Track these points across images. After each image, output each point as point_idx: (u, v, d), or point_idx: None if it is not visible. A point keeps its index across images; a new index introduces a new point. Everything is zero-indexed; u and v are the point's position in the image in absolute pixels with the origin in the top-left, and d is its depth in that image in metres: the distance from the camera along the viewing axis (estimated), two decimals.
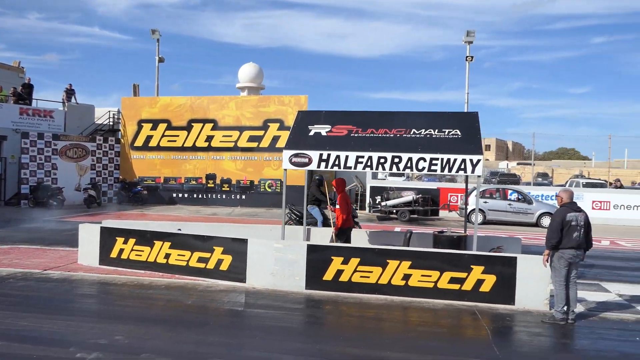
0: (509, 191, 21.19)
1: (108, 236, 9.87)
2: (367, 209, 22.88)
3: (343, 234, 9.51)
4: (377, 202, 21.34)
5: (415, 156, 8.27)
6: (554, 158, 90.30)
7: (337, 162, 8.54)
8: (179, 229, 10.10)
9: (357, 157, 8.47)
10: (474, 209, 20.11)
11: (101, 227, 10.03)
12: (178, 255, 9.19)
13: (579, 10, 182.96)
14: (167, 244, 9.30)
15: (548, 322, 7.10)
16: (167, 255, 9.27)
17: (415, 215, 21.04)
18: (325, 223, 12.14)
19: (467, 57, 25.20)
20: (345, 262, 8.19)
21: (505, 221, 19.84)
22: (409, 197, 20.94)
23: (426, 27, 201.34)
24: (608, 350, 6.24)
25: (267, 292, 8.30)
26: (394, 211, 20.99)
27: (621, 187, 27.11)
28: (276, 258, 8.45)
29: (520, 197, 20.37)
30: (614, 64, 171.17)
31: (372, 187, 23.08)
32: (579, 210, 7.19)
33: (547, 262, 7.26)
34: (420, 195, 21.10)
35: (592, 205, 22.56)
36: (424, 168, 8.28)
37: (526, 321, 7.24)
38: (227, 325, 6.92)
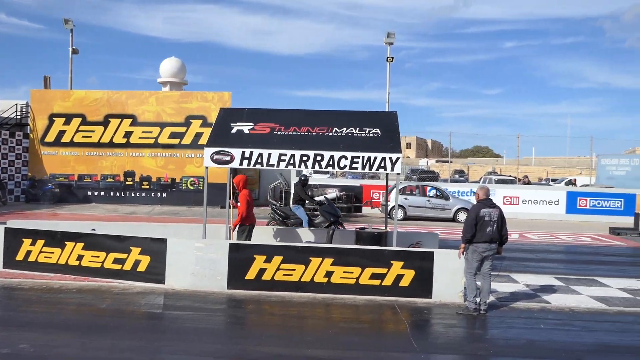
0: (428, 188, 21.98)
1: (13, 237, 9.18)
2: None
3: (244, 231, 9.34)
4: None
5: (337, 154, 8.35)
6: (470, 156, 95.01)
7: (259, 160, 8.45)
8: (93, 229, 9.58)
9: (280, 155, 8.42)
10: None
11: (5, 228, 9.32)
12: (92, 256, 8.71)
13: (491, 16, 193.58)
14: (80, 245, 8.79)
15: (462, 314, 7.42)
16: (80, 257, 8.76)
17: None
18: (311, 223, 11.93)
19: (387, 57, 25.87)
20: (268, 261, 8.12)
21: (425, 217, 20.57)
22: (332, 194, 21.18)
23: (350, 27, 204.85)
24: (516, 338, 6.62)
25: (188, 293, 8.06)
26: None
27: (529, 183, 28.96)
28: (197, 258, 8.23)
29: (438, 194, 21.19)
30: (523, 67, 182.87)
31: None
32: (493, 206, 7.56)
33: (463, 255, 7.60)
34: (344, 193, 21.43)
35: (503, 200, 23.91)
36: (345, 166, 8.38)
37: (442, 313, 7.52)
38: (143, 329, 6.64)
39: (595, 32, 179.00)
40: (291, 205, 11.28)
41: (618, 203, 24.00)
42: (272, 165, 8.49)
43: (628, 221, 20.35)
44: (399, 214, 20.56)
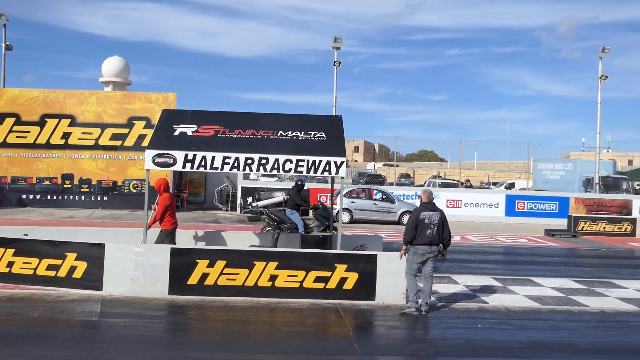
0: (374, 191, 22.32)
1: None
2: (238, 209, 22.68)
3: (167, 235, 9.12)
4: (248, 202, 21.24)
5: (282, 158, 8.32)
6: (416, 160, 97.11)
7: (203, 163, 8.30)
8: (25, 234, 9.13)
9: (224, 157, 8.31)
10: (342, 209, 20.87)
11: None
12: (23, 263, 8.28)
13: (436, 24, 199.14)
14: (10, 250, 8.34)
15: (405, 315, 7.56)
16: (10, 264, 8.31)
17: None
18: (306, 228, 11.90)
19: (334, 62, 26.08)
20: (211, 265, 7.99)
21: (371, 220, 20.85)
22: (280, 197, 21.10)
23: (299, 30, 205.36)
24: (455, 338, 6.81)
25: (126, 299, 7.80)
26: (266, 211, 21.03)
27: (471, 186, 29.93)
28: (137, 263, 7.98)
29: (384, 197, 21.53)
30: (465, 74, 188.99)
31: (243, 188, 22.95)
32: (434, 209, 7.76)
33: (404, 256, 7.76)
34: None
35: (447, 203, 24.58)
36: (290, 169, 8.37)
37: (385, 315, 7.63)
38: (78, 338, 6.37)
39: (533, 42, 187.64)
40: (286, 210, 11.73)
41: (553, 206, 25.19)
42: (216, 169, 8.36)
43: (562, 223, 21.38)
44: (346, 217, 20.74)
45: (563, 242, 17.93)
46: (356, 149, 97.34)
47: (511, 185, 34.53)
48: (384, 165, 70.36)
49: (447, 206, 24.50)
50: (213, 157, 8.29)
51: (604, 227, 20.07)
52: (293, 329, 6.91)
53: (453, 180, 32.45)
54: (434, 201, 8.12)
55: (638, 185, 31.40)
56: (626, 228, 20.31)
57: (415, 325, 7.32)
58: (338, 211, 20.46)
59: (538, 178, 34.58)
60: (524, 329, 7.34)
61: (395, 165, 34.61)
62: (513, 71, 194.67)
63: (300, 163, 8.34)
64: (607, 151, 63.97)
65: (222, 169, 8.38)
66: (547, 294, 9.49)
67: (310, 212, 12.91)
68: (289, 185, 25.32)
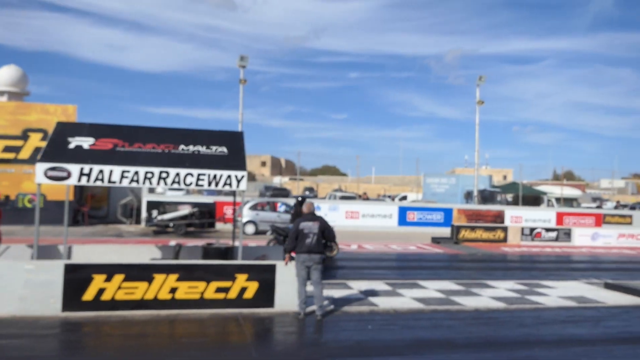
0: (279, 204, 22.35)
1: None
2: (143, 223, 21.69)
3: None
4: (153, 216, 20.38)
5: (182, 172, 8.09)
6: (320, 174, 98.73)
7: (100, 177, 7.85)
8: None
9: (123, 171, 7.91)
10: (247, 221, 20.68)
11: None
12: None
13: (338, 48, 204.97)
14: None
15: (301, 320, 7.64)
16: None
17: (192, 229, 20.67)
18: None
19: (240, 79, 25.94)
20: (108, 280, 7.54)
21: None
22: (185, 210, 20.50)
23: (208, 48, 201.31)
24: (347, 340, 6.96)
25: (14, 319, 7.13)
26: (171, 225, 20.30)
27: (367, 199, 30.92)
28: (26, 280, 7.34)
29: (287, 209, 21.62)
30: (365, 95, 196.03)
31: (148, 202, 21.99)
32: (314, 219, 7.99)
33: (287, 263, 8.04)
34: (197, 209, 20.86)
35: (346, 215, 25.26)
36: (191, 183, 8.15)
37: (283, 322, 7.64)
38: None
39: (423, 69, 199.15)
40: (290, 226, 12.82)
41: (439, 216, 26.75)
42: (114, 182, 7.94)
43: (447, 231, 22.72)
44: (251, 228, 20.58)
45: (447, 249, 19.06)
46: (263, 164, 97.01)
47: (404, 198, 36.18)
48: (289, 179, 70.72)
49: (346, 217, 25.20)
50: (111, 171, 7.87)
51: (482, 235, 21.63)
52: (193, 340, 6.69)
53: (352, 193, 33.35)
54: (315, 212, 8.29)
55: (509, 197, 34.21)
56: (499, 235, 22.05)
57: (311, 329, 7.41)
58: (245, 223, 20.28)
59: (427, 191, 36.55)
60: (409, 328, 7.68)
61: (298, 179, 34.84)
62: (407, 94, 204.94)
63: (201, 177, 8.16)
64: (486, 167, 69.21)
65: (120, 182, 7.97)
66: (431, 295, 10.01)
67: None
68: (197, 198, 24.66)
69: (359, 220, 25.35)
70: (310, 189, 53.89)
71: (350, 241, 19.92)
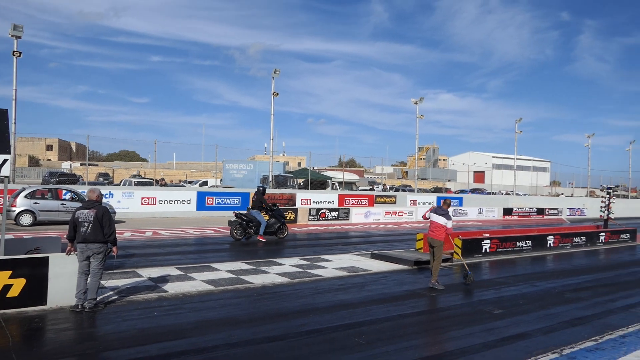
0: (63, 191, 19.83)
1: None
2: None
3: None
4: None
5: None
6: (117, 159, 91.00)
7: None
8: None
9: None
10: (22, 210, 17.91)
11: None
12: None
13: (139, 30, 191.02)
14: None
15: (74, 313, 6.93)
16: None
17: None
18: (267, 225, 16.14)
19: (14, 51, 22.04)
20: None
21: (59, 221, 18.43)
22: None
23: None
24: (128, 330, 6.49)
25: None
26: None
27: (165, 185, 29.57)
28: None
29: (74, 197, 19.34)
30: (168, 80, 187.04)
31: None
32: (91, 207, 7.30)
33: (69, 254, 7.30)
34: None
35: (142, 201, 23.75)
36: None
37: (56, 318, 6.78)
38: None
39: (228, 59, 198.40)
40: (251, 210, 15.95)
41: (237, 200, 27.04)
42: None
43: None
44: (27, 219, 17.90)
45: None
46: (49, 147, 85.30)
47: (204, 183, 35.53)
48: (81, 164, 63.56)
49: (142, 204, 23.73)
50: None
51: None
52: None
53: (149, 179, 31.45)
54: (100, 199, 7.55)
55: (301, 182, 36.33)
56: (290, 216, 23.31)
57: (88, 323, 6.71)
58: (18, 213, 17.47)
59: (226, 176, 36.53)
60: (196, 311, 7.54)
61: (87, 165, 31.45)
62: (211, 82, 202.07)
63: None
64: (283, 154, 72.30)
65: None
66: (222, 277, 10.01)
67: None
68: None
69: (156, 207, 24.07)
70: (105, 175, 49.32)
71: (146, 228, 18.80)
